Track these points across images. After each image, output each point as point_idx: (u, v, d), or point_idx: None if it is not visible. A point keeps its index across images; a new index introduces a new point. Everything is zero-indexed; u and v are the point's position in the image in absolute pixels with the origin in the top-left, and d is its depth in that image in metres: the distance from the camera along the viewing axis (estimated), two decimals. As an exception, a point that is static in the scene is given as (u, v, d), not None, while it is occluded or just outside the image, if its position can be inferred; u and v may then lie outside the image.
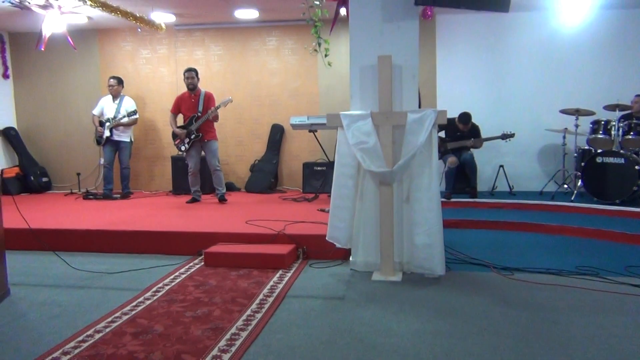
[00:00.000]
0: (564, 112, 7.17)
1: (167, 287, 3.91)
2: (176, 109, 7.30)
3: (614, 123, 6.71)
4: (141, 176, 8.96)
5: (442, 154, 7.17)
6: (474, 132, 7.33)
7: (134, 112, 7.88)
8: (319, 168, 8.09)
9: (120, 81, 8.01)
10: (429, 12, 6.89)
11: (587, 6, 7.08)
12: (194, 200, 7.27)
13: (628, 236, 5.12)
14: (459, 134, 7.29)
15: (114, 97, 7.95)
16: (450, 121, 7.09)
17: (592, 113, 7.06)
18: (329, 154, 7.63)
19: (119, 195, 7.87)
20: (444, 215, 4.08)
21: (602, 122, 6.80)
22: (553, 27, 7.73)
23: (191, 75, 7.13)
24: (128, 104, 7.94)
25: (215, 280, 4.07)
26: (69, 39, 7.15)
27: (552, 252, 4.86)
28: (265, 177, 8.39)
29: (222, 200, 7.14)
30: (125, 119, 7.80)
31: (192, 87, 7.16)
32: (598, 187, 6.54)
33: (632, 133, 6.60)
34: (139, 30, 8.10)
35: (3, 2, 6.12)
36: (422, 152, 3.98)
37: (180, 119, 7.35)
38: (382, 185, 4.12)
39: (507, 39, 7.90)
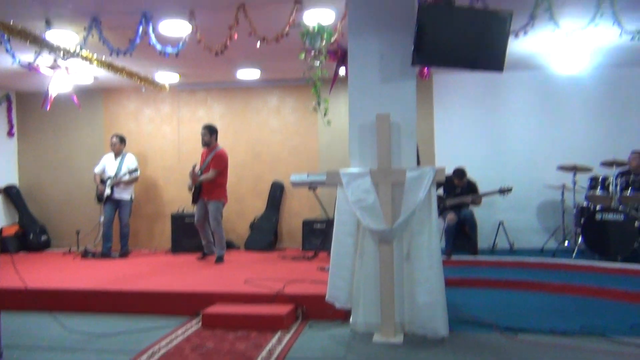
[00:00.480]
0: (561, 168, 7.22)
1: (163, 350, 3.81)
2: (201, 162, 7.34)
3: (611, 179, 6.75)
4: (141, 234, 8.93)
5: (441, 211, 7.16)
6: (471, 188, 7.36)
7: (135, 170, 7.94)
8: (318, 226, 8.06)
9: (122, 139, 8.11)
10: (426, 72, 7.04)
11: (579, 65, 7.25)
12: (204, 255, 7.25)
13: (632, 294, 5.04)
14: (457, 190, 7.32)
15: (116, 155, 8.03)
16: (448, 178, 7.15)
17: (589, 169, 7.12)
18: (329, 212, 7.63)
19: (117, 254, 7.81)
20: (445, 273, 4.04)
21: (600, 179, 6.84)
22: (548, 85, 7.90)
23: (203, 132, 7.21)
24: (130, 162, 8.01)
25: (212, 343, 3.97)
26: (74, 98, 7.30)
27: (556, 311, 4.77)
28: (265, 235, 8.36)
29: (217, 261, 7.02)
30: (127, 177, 7.84)
31: (204, 144, 7.22)
32: (599, 244, 6.50)
33: (630, 189, 6.62)
34: (143, 90, 8.28)
35: (13, 63, 6.28)
36: (421, 209, 3.98)
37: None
38: (382, 243, 4.10)
39: (503, 97, 8.06)
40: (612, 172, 6.85)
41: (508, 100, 8.06)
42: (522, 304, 5.11)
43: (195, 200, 7.17)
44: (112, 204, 7.85)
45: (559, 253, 6.98)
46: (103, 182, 7.89)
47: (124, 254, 7.86)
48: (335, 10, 4.99)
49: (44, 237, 8.91)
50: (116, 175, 7.82)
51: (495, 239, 7.60)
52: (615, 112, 7.77)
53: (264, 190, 8.69)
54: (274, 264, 6.91)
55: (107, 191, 7.76)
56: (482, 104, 8.11)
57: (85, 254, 7.83)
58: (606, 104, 7.80)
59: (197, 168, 7.10)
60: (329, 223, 7.41)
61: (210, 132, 7.21)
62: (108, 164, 8.00)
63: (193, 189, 7.12)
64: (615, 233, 6.39)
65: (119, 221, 7.93)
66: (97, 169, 8.06)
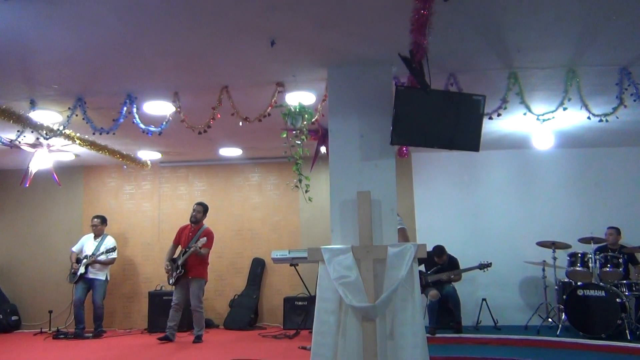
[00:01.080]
0: (540, 244, 7.30)
1: None
2: (176, 240, 7.36)
3: (590, 256, 6.82)
4: (116, 313, 8.64)
5: (424, 287, 7.13)
6: (452, 264, 7.38)
7: (113, 250, 7.80)
8: (300, 303, 7.92)
9: (104, 220, 8.06)
10: (405, 150, 7.23)
11: (554, 145, 7.47)
12: (166, 339, 6.91)
13: (618, 372, 4.98)
14: (439, 266, 7.32)
15: (97, 236, 7.94)
16: (429, 254, 7.16)
17: (568, 246, 7.20)
18: (311, 288, 7.53)
19: (90, 335, 7.52)
20: (429, 352, 3.96)
21: (579, 255, 6.91)
22: (525, 164, 8.15)
23: (197, 209, 7.29)
24: (109, 242, 7.92)
25: None
26: (54, 176, 7.26)
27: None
28: (245, 312, 8.16)
29: (195, 341, 6.85)
30: (103, 257, 7.71)
31: (194, 221, 7.25)
32: (582, 321, 6.47)
33: (609, 266, 6.69)
34: (125, 167, 8.32)
35: (-5, 142, 6.30)
36: (404, 286, 3.96)
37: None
38: (364, 320, 4.03)
39: (481, 174, 8.25)
40: (590, 248, 6.94)
41: (486, 178, 8.25)
42: (509, 383, 4.99)
43: (177, 281, 7.01)
44: (85, 284, 7.65)
45: (543, 330, 6.92)
46: (79, 261, 7.73)
47: (98, 334, 7.58)
48: (316, 92, 5.17)
49: (14, 318, 8.57)
50: (93, 254, 7.69)
51: (479, 316, 7.52)
52: (589, 190, 7.99)
53: (245, 267, 8.58)
54: (254, 343, 6.72)
55: (82, 270, 7.59)
56: (460, 181, 8.29)
57: (57, 335, 7.54)
58: (581, 182, 8.03)
59: (191, 250, 6.96)
60: (311, 300, 7.30)
61: (205, 210, 7.33)
62: (86, 244, 7.90)
63: (181, 270, 6.93)
64: (598, 310, 6.37)
65: (92, 303, 7.67)
66: (75, 248, 7.94)
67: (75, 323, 7.58)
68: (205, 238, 7.00)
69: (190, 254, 6.93)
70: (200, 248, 6.91)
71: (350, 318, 4.13)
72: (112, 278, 8.18)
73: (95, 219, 8.02)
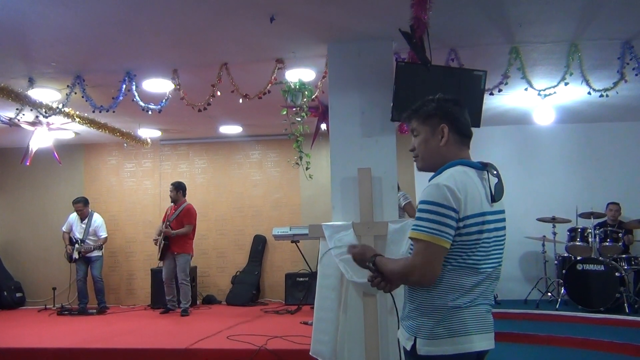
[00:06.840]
0: (540, 220, 7.32)
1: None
2: (163, 219, 7.66)
3: (590, 230, 6.85)
4: (120, 290, 8.73)
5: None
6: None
7: (102, 229, 7.93)
8: (301, 279, 7.99)
9: (86, 202, 8.00)
10: (406, 127, 7.18)
11: (555, 120, 7.45)
12: (167, 311, 7.37)
13: (616, 345, 5.04)
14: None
15: (82, 218, 7.92)
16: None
17: (568, 221, 7.22)
18: (312, 264, 7.59)
19: (94, 311, 7.62)
20: (429, 326, 4.00)
21: (579, 230, 6.95)
22: (525, 139, 8.11)
23: (170, 189, 7.58)
24: (97, 224, 7.91)
25: (193, 402, 3.86)
26: (55, 154, 7.26)
27: (542, 363, 4.74)
28: (247, 289, 8.24)
29: (183, 314, 7.16)
30: (92, 240, 7.80)
31: (172, 201, 7.57)
32: (581, 295, 6.53)
33: (608, 240, 6.73)
34: (125, 145, 8.31)
35: (-7, 120, 6.28)
36: (404, 262, 3.98)
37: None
38: (365, 296, 4.07)
39: (481, 150, 8.06)
40: (590, 223, 6.96)
41: (486, 154, 8.02)
42: (508, 356, 5.06)
43: (163, 256, 7.37)
44: (83, 261, 7.76)
45: (542, 304, 6.98)
46: (72, 243, 7.78)
47: (102, 310, 7.68)
48: (316, 69, 5.13)
49: (18, 295, 8.66)
50: (83, 241, 7.73)
51: (478, 290, 7.57)
52: (590, 165, 7.97)
53: (246, 244, 8.64)
54: (256, 318, 6.79)
55: (75, 255, 7.64)
56: (460, 157, 8.25)
57: (61, 311, 7.64)
58: (581, 158, 8.00)
59: (164, 226, 7.38)
60: (312, 276, 7.36)
61: (177, 188, 7.55)
62: (75, 225, 7.91)
63: (162, 244, 7.33)
64: (597, 284, 6.43)
65: (91, 277, 7.78)
66: (65, 227, 7.98)
67: (79, 299, 7.70)
68: (183, 228, 7.38)
69: (164, 233, 7.30)
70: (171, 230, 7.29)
71: (352, 293, 4.17)
72: (115, 255, 8.26)
73: (77, 204, 7.88)
